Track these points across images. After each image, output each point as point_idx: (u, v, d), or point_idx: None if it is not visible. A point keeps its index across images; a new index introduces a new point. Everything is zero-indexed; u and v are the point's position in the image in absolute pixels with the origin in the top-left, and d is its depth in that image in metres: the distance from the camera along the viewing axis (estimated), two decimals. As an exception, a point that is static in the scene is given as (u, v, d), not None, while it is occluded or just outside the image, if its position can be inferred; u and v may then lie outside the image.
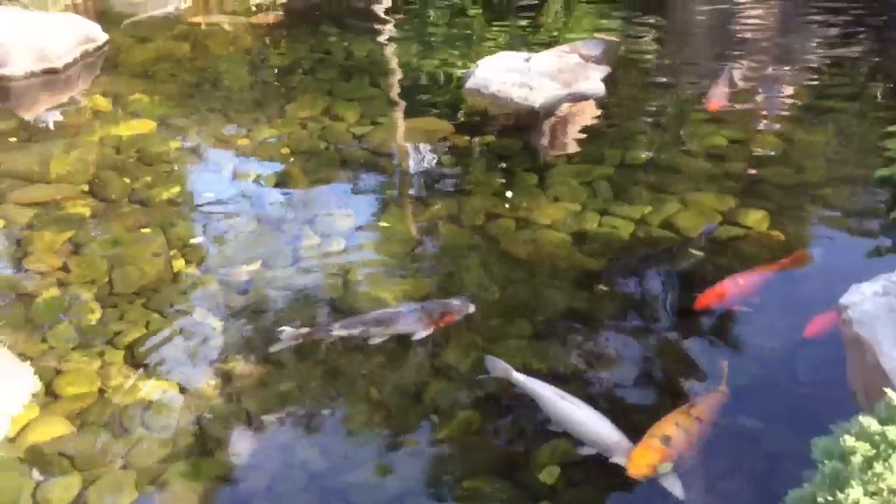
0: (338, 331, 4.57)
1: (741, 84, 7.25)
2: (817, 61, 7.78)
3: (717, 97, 6.65)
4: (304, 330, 4.57)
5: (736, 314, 4.66)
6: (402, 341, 4.56)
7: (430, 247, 5.43)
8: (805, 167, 6.02)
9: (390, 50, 8.50)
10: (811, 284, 4.83)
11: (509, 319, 4.72)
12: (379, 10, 9.66)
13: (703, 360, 4.37)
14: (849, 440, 2.14)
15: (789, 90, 7.21)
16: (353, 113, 7.11)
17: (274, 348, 4.52)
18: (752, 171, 5.96)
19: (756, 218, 5.42)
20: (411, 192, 6.02)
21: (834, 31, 8.40)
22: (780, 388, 4.16)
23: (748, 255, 5.16)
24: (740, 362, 4.32)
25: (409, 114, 7.06)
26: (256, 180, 6.23)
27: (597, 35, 8.37)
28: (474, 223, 5.58)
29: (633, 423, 3.89)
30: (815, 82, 7.35)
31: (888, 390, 2.21)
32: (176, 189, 6.11)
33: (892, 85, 7.19)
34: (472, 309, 4.64)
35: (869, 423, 2.15)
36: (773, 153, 6.18)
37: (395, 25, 9.15)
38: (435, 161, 6.36)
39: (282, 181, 6.23)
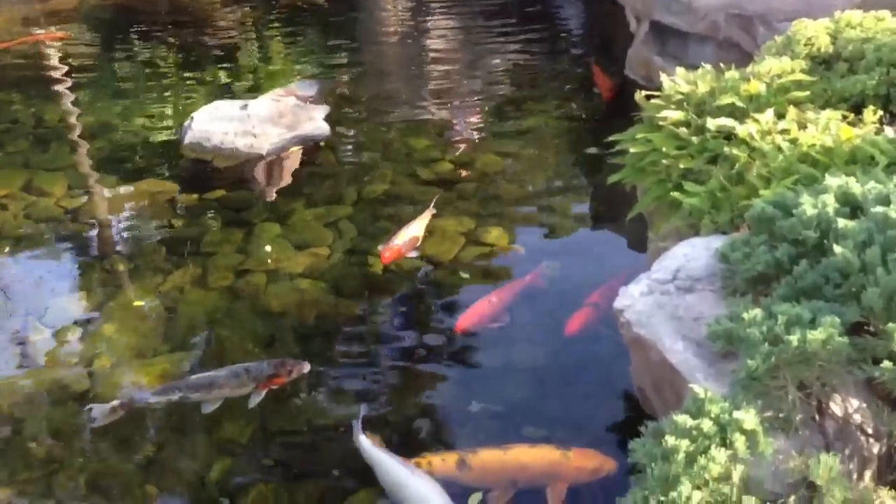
0: (153, 398, 4.25)
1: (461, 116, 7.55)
2: (511, 79, 8.32)
3: (393, 248, 5.35)
4: (116, 402, 4.20)
5: (495, 331, 4.82)
6: (176, 421, 4.23)
7: (181, 317, 5.05)
8: (528, 181, 6.42)
9: (86, 112, 7.84)
10: (560, 290, 5.14)
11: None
12: (58, 72, 8.87)
13: (476, 383, 4.48)
14: (670, 440, 2.26)
15: (492, 110, 7.62)
16: (60, 185, 6.45)
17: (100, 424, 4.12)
18: (483, 191, 6.24)
19: (496, 235, 5.67)
20: (146, 262, 5.56)
21: (514, 46, 9.06)
22: (559, 395, 4.37)
23: (496, 271, 5.40)
24: (512, 377, 4.49)
25: (125, 178, 6.53)
26: (-45, 277, 5.45)
27: (302, 77, 8.34)
28: (223, 284, 5.28)
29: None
30: (515, 98, 7.84)
31: (693, 385, 2.37)
32: None
33: (574, 89, 7.88)
34: (307, 368, 4.38)
35: (683, 419, 2.29)
36: (496, 171, 6.51)
37: (82, 86, 8.46)
38: (166, 225, 5.95)
39: (-11, 273, 5.52)
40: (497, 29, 9.62)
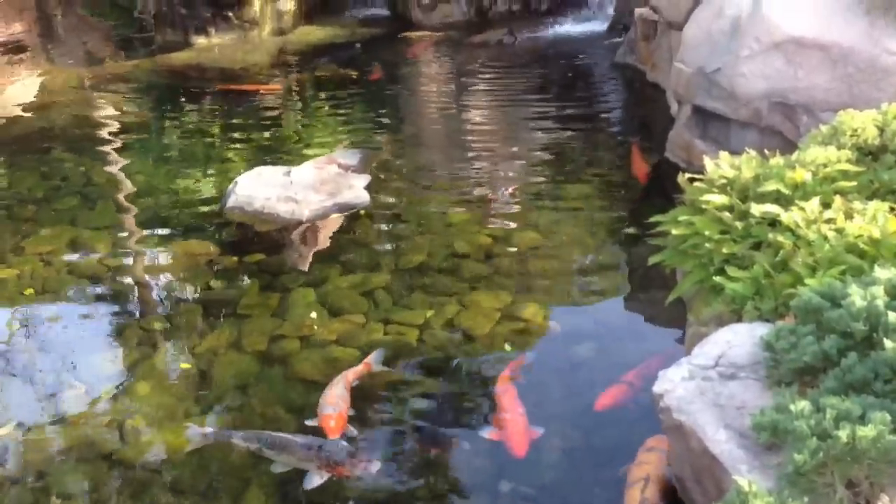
0: (237, 440, 4.44)
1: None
2: (550, 156, 8.36)
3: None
4: (209, 430, 4.51)
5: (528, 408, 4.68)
6: (202, 486, 4.19)
7: (214, 379, 5.05)
8: (565, 258, 6.39)
9: (133, 173, 8.03)
10: (594, 369, 5.07)
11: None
12: (109, 132, 9.13)
13: (507, 460, 4.40)
14: (713, 534, 2.18)
15: (530, 186, 7.65)
16: (104, 243, 6.58)
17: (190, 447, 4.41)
18: (520, 266, 6.22)
19: (532, 311, 5.64)
20: (183, 322, 5.61)
21: (554, 124, 9.13)
22: (592, 479, 4.26)
23: (529, 347, 5.35)
24: (544, 456, 4.40)
25: (168, 239, 6.66)
26: (-5, 329, 5.53)
27: (345, 146, 8.48)
28: (257, 348, 5.30)
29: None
30: (553, 175, 7.87)
31: (737, 478, 2.30)
32: None
33: (613, 169, 7.91)
34: (375, 468, 4.18)
35: (727, 513, 2.22)
36: (533, 247, 6.50)
37: (131, 147, 8.69)
38: (204, 286, 6.01)
39: (27, 326, 5.59)
40: (538, 106, 9.75)
